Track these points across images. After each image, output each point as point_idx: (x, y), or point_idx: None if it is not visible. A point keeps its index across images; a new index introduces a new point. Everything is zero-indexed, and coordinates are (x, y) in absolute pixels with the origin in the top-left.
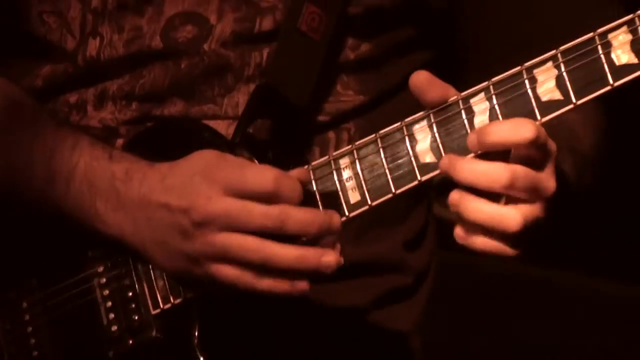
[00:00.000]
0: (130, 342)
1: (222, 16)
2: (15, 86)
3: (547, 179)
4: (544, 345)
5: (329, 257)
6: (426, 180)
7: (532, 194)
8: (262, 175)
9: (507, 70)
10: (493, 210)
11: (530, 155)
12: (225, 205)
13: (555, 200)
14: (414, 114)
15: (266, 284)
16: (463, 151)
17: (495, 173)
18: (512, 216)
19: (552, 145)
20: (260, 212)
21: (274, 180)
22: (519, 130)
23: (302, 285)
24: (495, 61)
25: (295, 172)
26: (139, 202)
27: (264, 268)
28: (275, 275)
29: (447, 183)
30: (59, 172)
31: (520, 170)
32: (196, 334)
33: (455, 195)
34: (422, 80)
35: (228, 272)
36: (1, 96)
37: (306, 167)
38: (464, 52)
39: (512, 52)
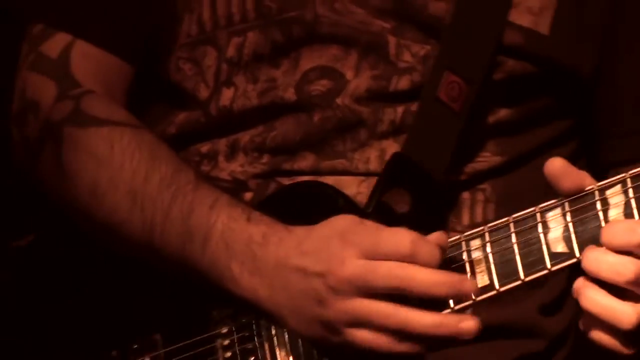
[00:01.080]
0: None
1: (359, 73)
2: (156, 136)
3: None
4: None
5: (469, 323)
6: (556, 270)
7: None
8: (398, 238)
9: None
10: (609, 303)
11: None
12: (357, 268)
13: None
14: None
15: (404, 347)
16: (595, 242)
17: (622, 266)
18: (627, 312)
19: None
20: (384, 271)
21: (410, 243)
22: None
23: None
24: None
25: (434, 236)
26: (275, 266)
27: (401, 333)
28: (414, 340)
29: None
30: (197, 231)
31: None
32: None
33: (578, 283)
34: (558, 168)
35: (365, 336)
36: (145, 145)
37: (442, 233)
38: (602, 122)
39: None
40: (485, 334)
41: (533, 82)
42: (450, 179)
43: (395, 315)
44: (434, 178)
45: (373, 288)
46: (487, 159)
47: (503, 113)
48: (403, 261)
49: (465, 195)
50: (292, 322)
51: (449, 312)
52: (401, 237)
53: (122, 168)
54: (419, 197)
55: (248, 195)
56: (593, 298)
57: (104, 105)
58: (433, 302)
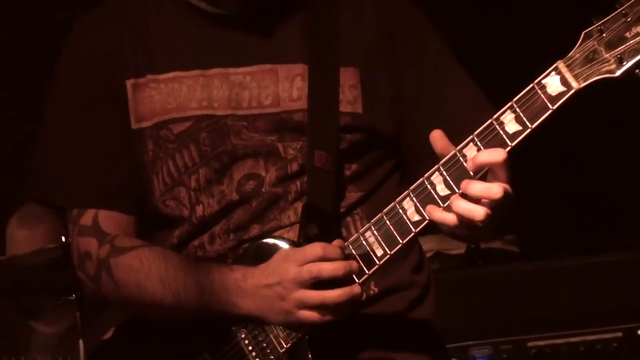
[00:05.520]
0: None
1: (268, 170)
2: (162, 247)
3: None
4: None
5: (356, 288)
6: (418, 231)
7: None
8: (315, 248)
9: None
10: (468, 205)
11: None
12: (295, 272)
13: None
14: (395, 198)
15: (329, 316)
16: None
17: (492, 187)
18: (479, 209)
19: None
20: (306, 269)
21: (321, 248)
22: (497, 154)
23: (348, 309)
24: (427, 158)
25: (335, 242)
26: (254, 289)
27: (324, 306)
28: (332, 309)
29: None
30: (205, 288)
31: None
32: (309, 355)
33: (452, 199)
34: (436, 136)
35: (306, 314)
36: (159, 253)
37: (344, 242)
38: (409, 157)
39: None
40: (384, 293)
41: (365, 144)
42: (337, 212)
43: (316, 296)
44: (327, 213)
45: (305, 281)
46: (353, 194)
47: (354, 166)
48: (320, 261)
49: (348, 219)
50: (270, 317)
51: (354, 285)
52: (316, 246)
53: (150, 269)
54: (322, 226)
55: (229, 262)
56: (459, 203)
57: (127, 240)
58: (344, 282)
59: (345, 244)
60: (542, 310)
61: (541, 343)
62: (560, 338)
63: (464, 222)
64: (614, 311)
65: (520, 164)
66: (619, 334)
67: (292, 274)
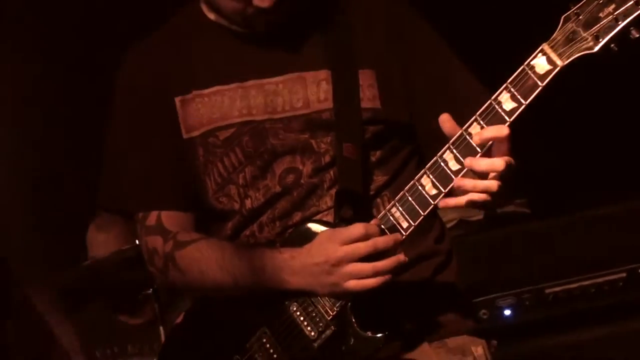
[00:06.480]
0: (318, 341)
1: (305, 163)
2: (217, 238)
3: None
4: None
5: (402, 256)
6: (437, 203)
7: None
8: (356, 228)
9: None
10: (481, 182)
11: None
12: (342, 251)
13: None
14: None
15: (376, 281)
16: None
17: (496, 161)
18: (492, 182)
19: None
20: (353, 249)
21: (363, 227)
22: (501, 130)
23: (392, 276)
24: (439, 140)
25: (373, 221)
26: (302, 267)
27: (376, 274)
28: (381, 274)
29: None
30: (259, 269)
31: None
32: (353, 319)
33: (459, 181)
34: (444, 119)
35: (354, 283)
36: (215, 243)
37: (375, 219)
38: (424, 141)
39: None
40: (413, 262)
41: (386, 133)
42: (368, 194)
43: (369, 267)
44: (358, 196)
45: (354, 257)
46: (380, 178)
47: (378, 153)
48: (363, 240)
49: (378, 200)
50: (318, 289)
51: (398, 254)
52: (358, 227)
53: (209, 258)
54: (355, 207)
55: (277, 246)
56: (474, 182)
57: (187, 235)
58: (381, 255)
59: (376, 218)
60: (554, 260)
61: (557, 289)
62: (572, 283)
63: (473, 197)
64: (617, 255)
65: (522, 134)
66: (624, 274)
67: (340, 252)
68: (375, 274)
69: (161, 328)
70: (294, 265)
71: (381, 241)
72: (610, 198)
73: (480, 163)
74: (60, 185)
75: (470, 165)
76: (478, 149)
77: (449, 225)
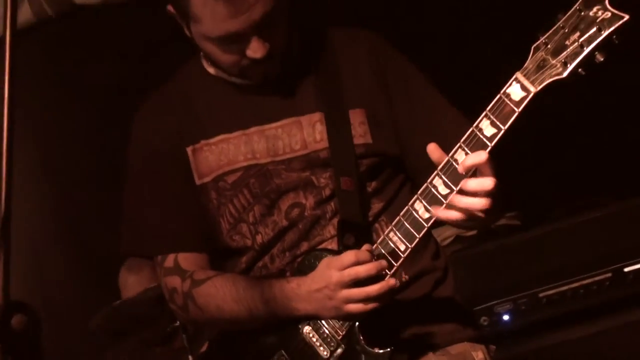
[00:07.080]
0: (331, 359)
1: (307, 198)
2: (232, 273)
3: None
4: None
5: (391, 280)
6: (430, 225)
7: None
8: (349, 255)
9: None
10: (469, 199)
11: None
12: (337, 277)
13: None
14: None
15: (371, 305)
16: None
17: (485, 181)
18: (479, 201)
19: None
20: (346, 273)
21: (354, 255)
22: (480, 155)
23: (388, 298)
24: (427, 167)
25: (364, 246)
26: (307, 294)
27: (367, 299)
28: (374, 300)
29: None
30: (270, 300)
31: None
32: (360, 337)
33: (452, 198)
34: (432, 148)
35: (352, 307)
36: (230, 279)
37: (373, 245)
38: (414, 169)
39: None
40: (413, 279)
41: (379, 165)
42: (367, 221)
43: (360, 292)
44: (358, 223)
45: (346, 283)
46: (377, 205)
47: (374, 184)
48: (354, 265)
49: (376, 225)
50: (324, 314)
51: (388, 278)
52: (349, 254)
53: (225, 293)
54: (356, 234)
55: (288, 274)
56: (460, 199)
57: (203, 273)
58: (379, 277)
59: (374, 246)
60: (546, 266)
61: (550, 292)
62: (563, 286)
63: (467, 214)
64: (601, 257)
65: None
66: (609, 274)
67: (335, 278)
68: (367, 298)
69: (190, 357)
70: (301, 293)
71: (369, 267)
72: (591, 205)
73: (471, 183)
74: (93, 231)
75: (463, 187)
76: (464, 174)
77: (446, 242)
